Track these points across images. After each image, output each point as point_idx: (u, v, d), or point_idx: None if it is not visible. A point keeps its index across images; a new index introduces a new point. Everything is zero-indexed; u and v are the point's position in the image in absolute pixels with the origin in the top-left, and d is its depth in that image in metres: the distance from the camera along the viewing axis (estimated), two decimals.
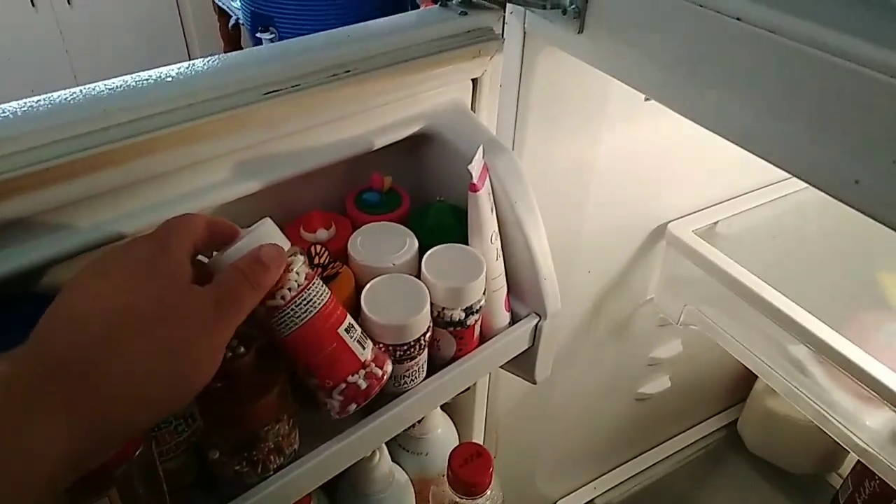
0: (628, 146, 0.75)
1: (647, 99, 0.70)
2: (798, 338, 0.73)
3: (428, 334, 0.51)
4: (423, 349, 0.51)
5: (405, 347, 0.50)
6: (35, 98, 0.43)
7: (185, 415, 0.46)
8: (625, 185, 0.79)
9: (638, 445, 1.23)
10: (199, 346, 0.36)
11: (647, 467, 1.23)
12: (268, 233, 0.42)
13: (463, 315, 0.53)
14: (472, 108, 0.61)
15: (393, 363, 0.50)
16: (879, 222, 0.35)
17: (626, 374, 1.06)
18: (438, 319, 0.53)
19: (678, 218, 0.88)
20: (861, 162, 0.35)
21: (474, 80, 0.59)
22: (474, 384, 0.76)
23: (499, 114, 0.64)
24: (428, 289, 0.51)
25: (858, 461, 1.11)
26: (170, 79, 0.45)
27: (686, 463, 1.26)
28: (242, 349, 0.43)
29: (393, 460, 0.69)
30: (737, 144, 0.43)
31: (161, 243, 0.38)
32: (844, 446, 0.76)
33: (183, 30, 2.27)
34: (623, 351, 1.00)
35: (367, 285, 0.50)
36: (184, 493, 0.49)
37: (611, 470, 1.21)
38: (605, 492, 1.19)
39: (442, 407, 0.76)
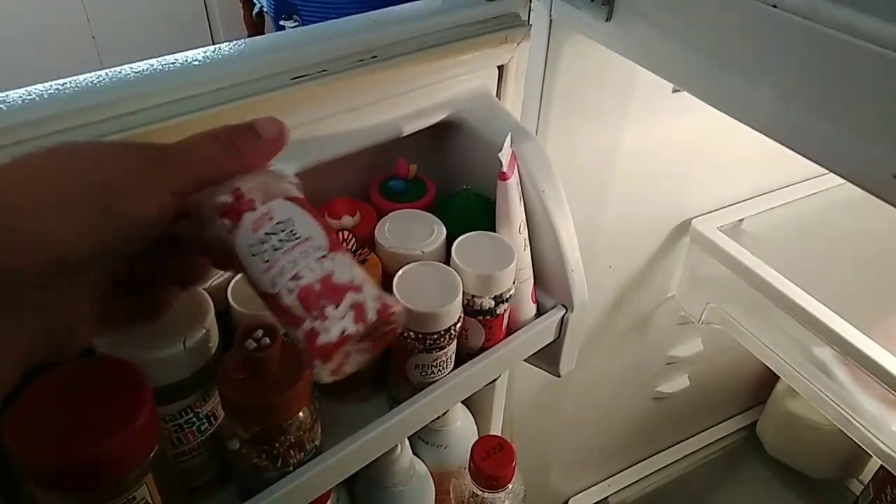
0: (654, 139, 0.74)
1: (675, 90, 0.69)
2: (824, 339, 0.72)
3: (459, 324, 0.50)
4: (453, 339, 0.51)
5: (435, 336, 0.49)
6: (61, 81, 0.43)
7: (208, 413, 0.45)
8: (649, 179, 0.78)
9: (654, 444, 1.22)
10: (133, 185, 0.30)
11: (663, 467, 1.22)
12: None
13: (493, 303, 0.52)
14: (498, 96, 0.60)
15: (422, 352, 0.49)
16: None
17: (644, 371, 1.05)
18: (468, 308, 0.52)
19: (703, 214, 0.86)
20: None
21: (500, 68, 0.58)
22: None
23: (523, 102, 0.63)
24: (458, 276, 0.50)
25: (881, 467, 1.09)
26: (197, 63, 0.45)
27: (703, 464, 1.25)
28: (267, 340, 0.42)
29: (413, 452, 0.68)
30: (770, 137, 0.42)
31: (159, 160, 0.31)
32: (868, 451, 0.74)
33: (207, 18, 2.27)
34: (642, 348, 0.99)
35: (399, 271, 0.49)
36: (205, 488, 0.48)
37: (626, 468, 1.20)
38: (619, 490, 1.18)
39: (462, 400, 0.75)
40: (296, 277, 0.31)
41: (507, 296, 0.52)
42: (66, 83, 0.42)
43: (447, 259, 0.52)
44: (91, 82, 0.43)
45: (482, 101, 0.57)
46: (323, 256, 0.32)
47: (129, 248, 0.31)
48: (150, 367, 0.39)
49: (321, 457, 0.46)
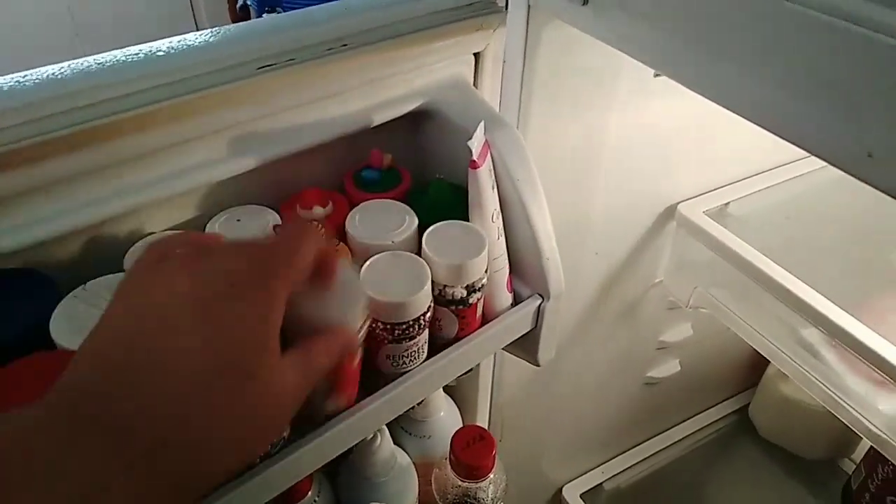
0: (638, 124, 0.73)
1: (656, 75, 0.68)
2: (811, 321, 0.72)
3: (429, 313, 0.50)
4: (424, 329, 0.50)
5: (404, 326, 0.49)
6: (24, 73, 0.42)
7: None
8: (634, 165, 0.77)
9: (647, 430, 1.22)
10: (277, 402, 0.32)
11: (656, 452, 1.22)
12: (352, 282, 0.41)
13: (465, 293, 0.51)
14: (475, 84, 0.59)
15: (392, 343, 0.49)
16: (893, 197, 0.33)
17: (634, 357, 1.04)
18: (440, 298, 0.51)
19: (688, 199, 0.86)
20: (873, 134, 0.33)
21: (476, 55, 0.58)
22: (478, 367, 0.74)
23: (502, 90, 0.62)
24: (429, 266, 0.50)
25: (872, 446, 1.09)
26: (161, 53, 0.44)
27: (696, 448, 1.25)
28: None
29: (395, 443, 0.68)
30: (748, 119, 0.41)
31: (258, 270, 0.33)
32: (857, 432, 0.74)
33: (193, 11, 2.25)
34: (631, 334, 0.99)
35: (367, 262, 0.49)
36: None
37: (619, 454, 1.20)
38: (613, 476, 1.18)
39: (445, 390, 0.75)
40: None
41: (480, 285, 0.52)
42: (27, 75, 0.42)
43: (419, 249, 0.51)
44: (53, 74, 0.42)
45: (457, 90, 0.56)
46: None
47: None
48: None
49: (288, 448, 0.46)
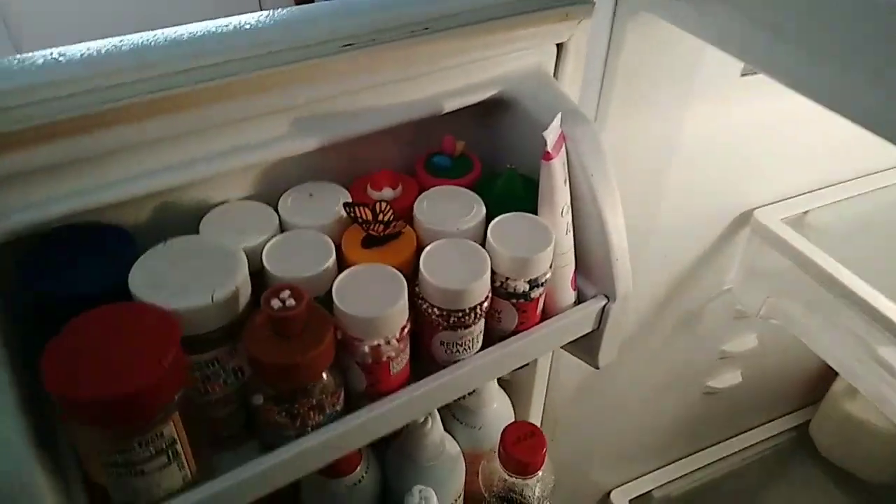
0: (717, 126, 0.71)
1: (745, 73, 0.66)
2: (891, 336, 0.68)
3: (486, 303, 0.49)
4: (480, 318, 0.50)
5: (460, 314, 0.48)
6: (117, 39, 0.43)
7: (235, 368, 0.46)
8: (710, 167, 0.75)
9: (702, 440, 1.19)
10: None
11: (710, 463, 1.19)
12: None
13: (527, 287, 0.50)
14: (555, 76, 0.58)
15: (446, 329, 0.48)
16: None
17: (694, 365, 1.02)
18: (501, 290, 0.50)
19: (765, 205, 0.83)
20: None
21: (559, 46, 0.56)
22: (535, 362, 0.73)
23: (582, 83, 0.61)
24: (492, 257, 0.49)
25: None
26: (248, 27, 0.45)
27: (751, 462, 1.22)
28: (293, 301, 0.42)
29: (446, 430, 0.68)
30: (856, 123, 0.39)
31: None
32: None
33: None
34: (693, 341, 0.96)
35: (428, 247, 0.49)
36: (232, 439, 0.49)
37: (671, 462, 1.17)
38: (664, 485, 1.16)
39: (500, 383, 0.74)
40: None
41: (543, 280, 0.50)
42: (122, 41, 0.43)
43: (485, 240, 0.50)
44: (146, 41, 0.43)
45: (537, 80, 0.55)
46: None
47: None
48: (179, 316, 0.40)
49: (338, 422, 0.46)
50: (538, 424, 0.80)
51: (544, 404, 0.88)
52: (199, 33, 0.43)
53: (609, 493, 1.14)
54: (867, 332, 0.71)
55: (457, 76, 0.52)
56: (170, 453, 0.40)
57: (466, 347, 0.51)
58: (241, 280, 0.44)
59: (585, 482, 1.11)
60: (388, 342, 0.45)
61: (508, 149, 0.59)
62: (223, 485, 0.42)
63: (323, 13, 0.47)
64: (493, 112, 0.57)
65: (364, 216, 0.48)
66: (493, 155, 0.59)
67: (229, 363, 0.45)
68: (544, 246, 0.49)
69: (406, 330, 0.46)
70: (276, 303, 0.42)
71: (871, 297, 0.69)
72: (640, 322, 0.88)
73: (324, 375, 0.45)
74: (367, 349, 0.45)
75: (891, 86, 0.36)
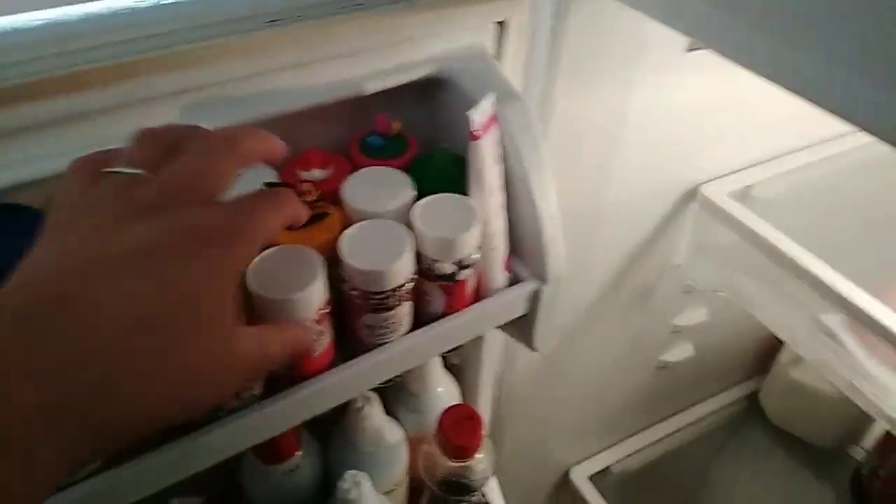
0: (663, 102, 0.71)
1: (689, 49, 0.66)
2: (835, 306, 0.70)
3: (409, 285, 0.48)
4: (403, 300, 0.49)
5: (381, 296, 0.47)
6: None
7: None
8: (657, 144, 0.75)
9: (657, 413, 1.21)
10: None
11: (666, 436, 1.21)
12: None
13: (454, 269, 0.49)
14: (498, 55, 0.57)
15: (370, 312, 0.48)
16: None
17: (647, 341, 1.03)
18: (428, 272, 0.49)
19: (711, 180, 0.83)
20: None
21: (500, 24, 0.55)
22: (481, 346, 0.72)
23: (525, 62, 0.60)
24: (417, 238, 0.48)
25: (885, 434, 1.09)
26: (167, 1, 0.43)
27: (705, 432, 1.25)
28: None
29: (391, 415, 0.67)
30: (799, 96, 0.39)
31: (224, 229, 0.32)
32: (876, 418, 0.73)
33: None
34: (645, 317, 0.97)
35: (349, 228, 0.47)
36: None
37: (628, 437, 1.19)
38: (622, 459, 1.18)
39: (450, 367, 0.73)
40: None
41: (469, 262, 0.50)
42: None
43: None
44: (60, 17, 0.40)
45: (475, 59, 0.54)
46: None
47: None
48: None
49: (253, 407, 0.45)
50: (487, 407, 0.80)
51: (501, 386, 0.88)
52: (115, 7, 0.41)
53: (568, 471, 1.15)
54: (811, 301, 0.73)
55: (390, 54, 0.51)
56: None
57: (392, 330, 0.50)
58: None
59: (545, 461, 1.12)
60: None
61: (447, 129, 0.58)
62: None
63: None
64: (431, 91, 0.56)
65: None
66: (432, 135, 0.58)
67: None
68: (469, 226, 0.48)
69: (324, 312, 0.45)
70: None
71: (812, 266, 0.71)
72: (592, 299, 0.88)
73: None
74: None
75: (830, 58, 0.36)
